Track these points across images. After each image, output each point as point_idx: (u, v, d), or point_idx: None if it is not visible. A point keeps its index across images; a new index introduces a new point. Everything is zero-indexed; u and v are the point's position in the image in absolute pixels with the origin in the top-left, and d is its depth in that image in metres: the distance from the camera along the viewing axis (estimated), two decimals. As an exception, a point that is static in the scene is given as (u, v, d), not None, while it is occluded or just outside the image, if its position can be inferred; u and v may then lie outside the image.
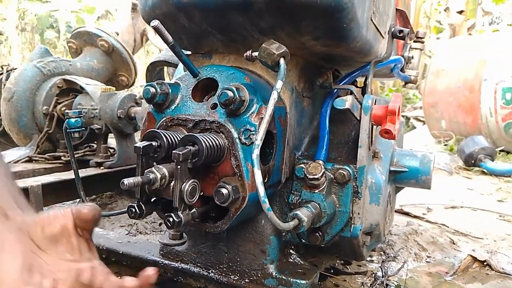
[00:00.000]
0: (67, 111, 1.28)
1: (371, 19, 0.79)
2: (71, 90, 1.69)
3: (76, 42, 1.97)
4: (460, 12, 6.53)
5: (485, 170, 2.68)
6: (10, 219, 0.54)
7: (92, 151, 1.66)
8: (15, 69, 1.80)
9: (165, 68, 1.60)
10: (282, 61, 0.67)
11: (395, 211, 1.36)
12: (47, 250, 0.54)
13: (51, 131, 1.64)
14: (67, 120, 1.24)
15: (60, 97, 1.66)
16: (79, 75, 1.77)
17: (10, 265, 0.50)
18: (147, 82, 1.42)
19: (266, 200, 0.62)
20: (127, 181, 0.58)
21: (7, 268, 0.50)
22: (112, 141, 1.71)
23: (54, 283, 0.51)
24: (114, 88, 1.60)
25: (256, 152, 0.64)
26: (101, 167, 1.52)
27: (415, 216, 1.61)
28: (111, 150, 1.67)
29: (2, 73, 1.87)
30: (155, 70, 1.30)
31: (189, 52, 0.89)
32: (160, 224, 1.40)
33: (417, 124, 5.14)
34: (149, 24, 0.71)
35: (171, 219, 0.63)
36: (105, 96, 1.53)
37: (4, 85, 1.70)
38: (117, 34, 1.99)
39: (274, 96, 0.66)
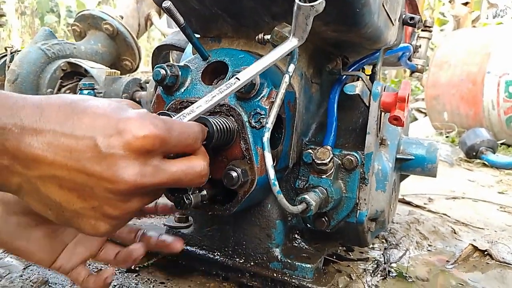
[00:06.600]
0: (79, 83, 1.26)
1: (383, 5, 0.79)
2: (75, 73, 1.68)
3: (80, 25, 1.96)
4: (465, 3, 6.49)
5: (486, 163, 2.68)
6: None
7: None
8: (19, 51, 1.79)
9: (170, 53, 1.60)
10: (294, 44, 0.67)
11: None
12: None
13: (55, 114, 1.64)
14: (79, 91, 1.23)
15: (64, 80, 1.65)
16: (83, 58, 1.76)
17: None
18: (152, 66, 1.42)
19: (276, 182, 0.63)
20: (139, 161, 0.59)
21: None
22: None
23: None
24: (119, 72, 1.59)
25: (267, 135, 0.64)
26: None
27: (416, 206, 1.63)
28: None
29: (6, 55, 1.85)
30: (161, 54, 1.29)
31: (198, 36, 0.88)
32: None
33: (419, 115, 5.14)
34: (160, 6, 0.71)
35: (181, 200, 0.63)
36: (110, 80, 1.53)
37: (8, 67, 1.69)
38: (122, 17, 1.97)
39: (285, 80, 0.66)
